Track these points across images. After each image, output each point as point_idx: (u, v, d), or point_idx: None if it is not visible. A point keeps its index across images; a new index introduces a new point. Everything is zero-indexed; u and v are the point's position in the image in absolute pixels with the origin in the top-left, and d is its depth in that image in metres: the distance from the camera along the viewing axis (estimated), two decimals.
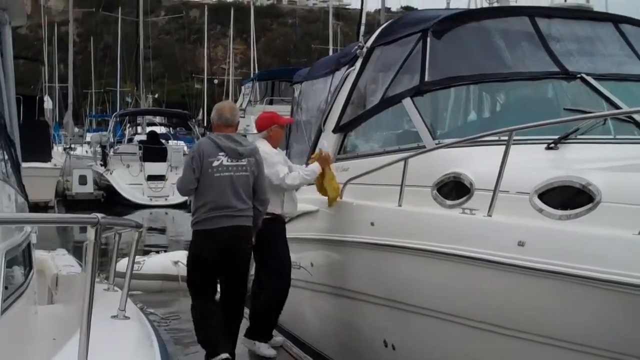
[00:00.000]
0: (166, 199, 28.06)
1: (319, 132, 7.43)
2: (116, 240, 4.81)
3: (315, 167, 6.54)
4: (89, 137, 43.75)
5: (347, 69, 7.15)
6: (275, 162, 6.54)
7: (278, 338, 6.76)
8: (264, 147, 6.56)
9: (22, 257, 4.54)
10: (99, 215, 3.09)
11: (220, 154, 6.06)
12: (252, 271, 6.68)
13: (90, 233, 3.10)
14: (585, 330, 4.06)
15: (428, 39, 6.12)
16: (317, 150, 6.86)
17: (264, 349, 6.60)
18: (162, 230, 23.79)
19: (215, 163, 6.04)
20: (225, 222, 6.02)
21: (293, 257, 6.67)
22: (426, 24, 6.25)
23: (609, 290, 3.80)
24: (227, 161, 6.06)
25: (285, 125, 7.20)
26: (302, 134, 7.72)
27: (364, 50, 6.93)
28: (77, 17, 49.17)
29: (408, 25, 6.57)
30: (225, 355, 5.96)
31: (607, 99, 5.58)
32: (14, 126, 6.42)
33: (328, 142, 7.01)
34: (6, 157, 5.13)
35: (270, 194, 6.42)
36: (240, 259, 6.20)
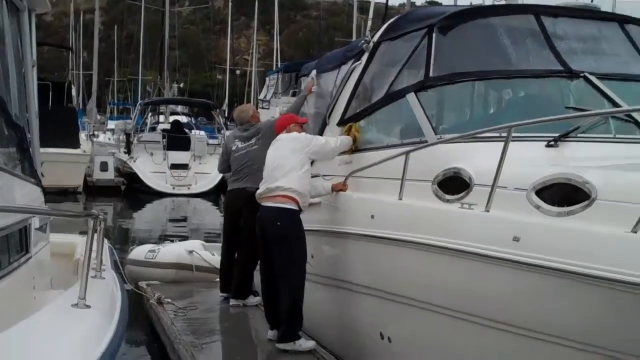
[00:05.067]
0: (189, 188, 28.03)
1: (324, 124, 7.43)
2: (100, 227, 4.75)
3: (348, 139, 6.72)
4: (110, 124, 43.83)
5: (353, 62, 7.12)
6: (309, 137, 6.71)
7: (309, 342, 6.59)
8: (285, 136, 6.79)
9: (7, 242, 4.53)
10: None
11: (236, 140, 8.62)
12: None
13: None
14: (579, 327, 4.03)
15: (434, 35, 6.08)
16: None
17: (304, 342, 6.53)
18: (184, 220, 23.79)
19: (233, 147, 8.57)
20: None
21: None
22: (432, 19, 6.20)
23: (602, 287, 3.77)
24: (241, 144, 8.51)
25: (302, 125, 7.14)
26: (307, 127, 7.65)
27: (371, 44, 6.89)
28: (102, 6, 49.15)
29: (414, 21, 6.52)
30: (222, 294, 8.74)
31: (610, 99, 5.52)
32: (31, 112, 6.44)
33: (332, 135, 7.00)
34: (9, 143, 5.13)
35: (298, 179, 6.44)
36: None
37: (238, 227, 8.45)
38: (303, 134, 6.78)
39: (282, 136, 6.81)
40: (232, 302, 8.42)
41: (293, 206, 6.38)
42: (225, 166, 8.81)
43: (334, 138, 6.72)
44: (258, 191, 6.69)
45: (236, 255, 8.58)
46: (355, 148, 6.69)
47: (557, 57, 5.89)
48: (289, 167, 6.45)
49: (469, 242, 4.60)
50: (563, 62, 5.85)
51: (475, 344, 4.81)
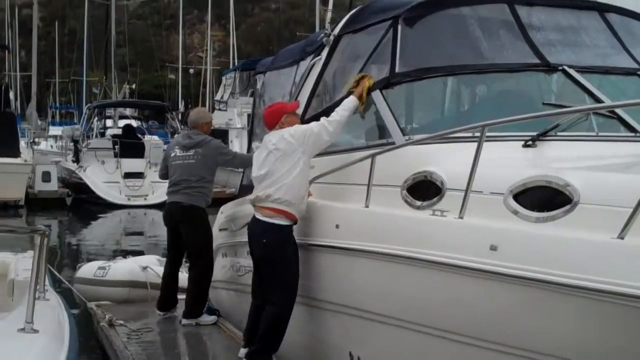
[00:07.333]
0: (145, 199, 27.60)
1: None
2: (42, 243, 4.66)
3: (351, 100, 6.14)
4: (52, 130, 43.33)
5: (313, 58, 7.05)
6: (302, 134, 6.18)
7: None
8: (275, 135, 6.33)
9: None
10: None
11: (176, 147, 8.55)
12: None
13: None
14: (562, 342, 4.00)
15: (399, 27, 6.05)
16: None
17: None
18: (140, 233, 23.54)
19: (172, 154, 8.53)
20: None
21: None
22: (397, 10, 6.17)
23: (586, 298, 3.74)
24: (180, 152, 8.43)
25: (296, 110, 6.76)
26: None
27: (331, 38, 6.83)
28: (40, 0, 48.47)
29: (378, 12, 6.47)
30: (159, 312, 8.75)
31: (591, 94, 5.55)
32: None
33: None
34: None
35: (290, 187, 6.10)
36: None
37: (179, 243, 8.55)
38: (294, 130, 6.25)
39: (273, 135, 6.37)
40: (185, 321, 8.35)
41: (283, 221, 6.15)
42: (164, 172, 8.83)
43: (332, 116, 6.20)
44: (250, 196, 6.45)
45: (188, 272, 8.57)
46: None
47: (534, 50, 5.89)
48: (280, 174, 6.13)
49: (442, 252, 4.56)
50: (540, 55, 5.86)
51: None
